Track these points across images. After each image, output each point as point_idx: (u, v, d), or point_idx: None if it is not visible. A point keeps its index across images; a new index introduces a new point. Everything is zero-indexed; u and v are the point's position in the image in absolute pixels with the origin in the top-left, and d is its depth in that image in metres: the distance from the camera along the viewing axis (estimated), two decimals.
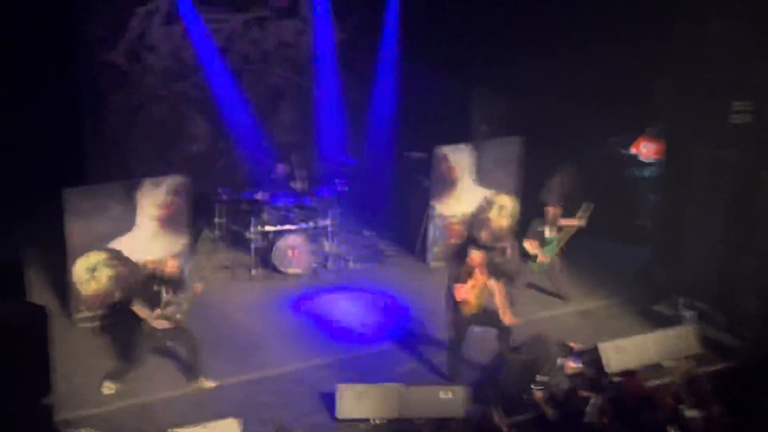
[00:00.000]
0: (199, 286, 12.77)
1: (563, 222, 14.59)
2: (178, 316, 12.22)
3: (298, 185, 15.96)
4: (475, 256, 11.97)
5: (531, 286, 15.05)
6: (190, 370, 12.36)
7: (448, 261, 12.35)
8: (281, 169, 16.30)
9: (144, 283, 12.31)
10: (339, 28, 18.24)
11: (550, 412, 10.83)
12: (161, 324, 11.98)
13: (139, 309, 11.95)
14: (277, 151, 17.50)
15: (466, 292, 11.94)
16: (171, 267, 12.22)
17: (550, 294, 14.90)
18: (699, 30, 13.99)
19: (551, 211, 14.51)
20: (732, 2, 13.61)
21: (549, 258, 14.48)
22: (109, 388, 12.12)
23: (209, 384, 12.26)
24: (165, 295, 12.04)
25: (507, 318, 12.21)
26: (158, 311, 11.95)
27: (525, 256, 14.52)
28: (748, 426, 10.27)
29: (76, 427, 11.21)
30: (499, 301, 12.26)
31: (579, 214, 14.71)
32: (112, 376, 12.23)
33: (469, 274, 11.97)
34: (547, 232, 14.47)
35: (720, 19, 13.74)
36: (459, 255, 12.24)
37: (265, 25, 17.59)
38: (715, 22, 13.80)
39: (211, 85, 17.20)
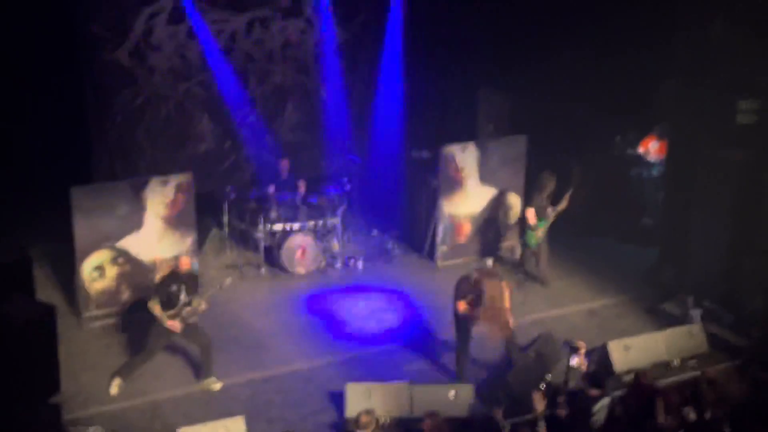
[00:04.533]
0: (203, 305, 12.36)
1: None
2: (193, 319, 12.19)
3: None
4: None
5: (538, 284, 15.17)
6: (200, 369, 12.38)
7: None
8: (285, 165, 16.29)
9: (162, 282, 12.26)
10: (343, 27, 18.24)
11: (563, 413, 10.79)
12: (174, 325, 11.94)
13: (155, 307, 11.91)
14: (282, 151, 17.52)
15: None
16: (185, 264, 12.21)
17: (557, 293, 14.96)
18: (703, 30, 14.01)
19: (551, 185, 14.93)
20: (735, 2, 13.61)
21: (542, 233, 14.79)
22: (117, 385, 12.10)
23: (217, 385, 12.26)
24: (183, 297, 12.01)
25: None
26: (173, 311, 11.94)
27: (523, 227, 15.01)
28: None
29: (84, 426, 11.22)
30: (506, 303, 12.27)
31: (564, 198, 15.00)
32: (122, 373, 12.21)
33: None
34: (548, 209, 14.85)
35: (724, 19, 13.75)
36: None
37: (269, 25, 17.58)
38: (718, 23, 13.81)
39: (216, 84, 17.19)
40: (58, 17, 15.30)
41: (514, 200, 16.19)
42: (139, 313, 13.77)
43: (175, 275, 12.21)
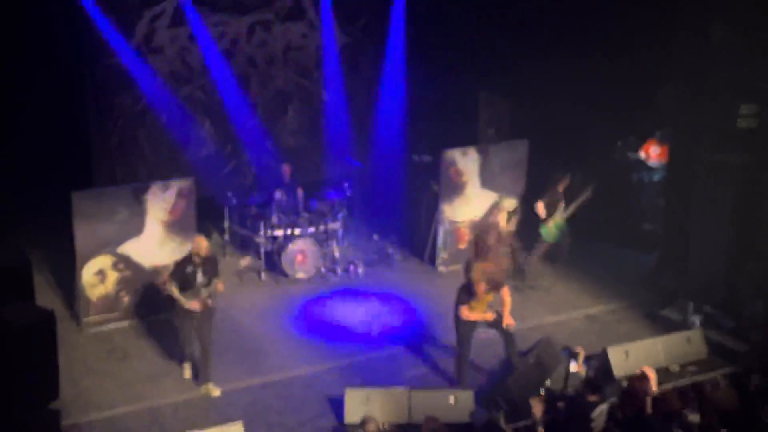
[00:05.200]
0: (220, 285, 12.53)
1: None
2: (209, 301, 12.25)
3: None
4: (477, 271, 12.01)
5: (537, 290, 15.19)
6: (199, 374, 12.42)
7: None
8: (286, 169, 16.30)
9: (178, 264, 12.35)
10: (345, 31, 18.24)
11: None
12: (193, 305, 12.03)
13: (172, 289, 12.05)
14: (283, 155, 17.55)
15: (473, 313, 12.01)
16: (203, 247, 12.19)
17: (556, 298, 15.01)
18: (703, 34, 13.99)
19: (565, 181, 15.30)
20: (734, 7, 13.60)
21: (553, 228, 15.20)
22: (187, 371, 12.56)
23: (216, 391, 12.26)
24: (199, 278, 12.10)
25: (506, 320, 12.22)
26: (190, 292, 12.05)
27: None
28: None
29: None
30: (505, 307, 12.25)
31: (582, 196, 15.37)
32: (183, 358, 12.60)
33: (474, 290, 11.99)
34: (560, 205, 15.23)
35: (724, 23, 13.74)
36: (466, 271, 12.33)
37: (271, 29, 17.59)
38: (719, 27, 13.80)
39: (217, 88, 17.24)
40: (60, 21, 15.32)
41: (515, 204, 16.18)
42: (138, 319, 13.91)
43: (191, 258, 12.24)
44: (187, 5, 16.38)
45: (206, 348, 12.34)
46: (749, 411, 10.10)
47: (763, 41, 13.35)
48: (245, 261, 12.74)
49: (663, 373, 12.47)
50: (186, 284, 12.06)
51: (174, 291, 12.04)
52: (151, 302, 13.90)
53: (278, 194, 15.79)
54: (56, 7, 15.17)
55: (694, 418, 10.29)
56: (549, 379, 12.20)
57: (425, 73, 18.13)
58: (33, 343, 10.57)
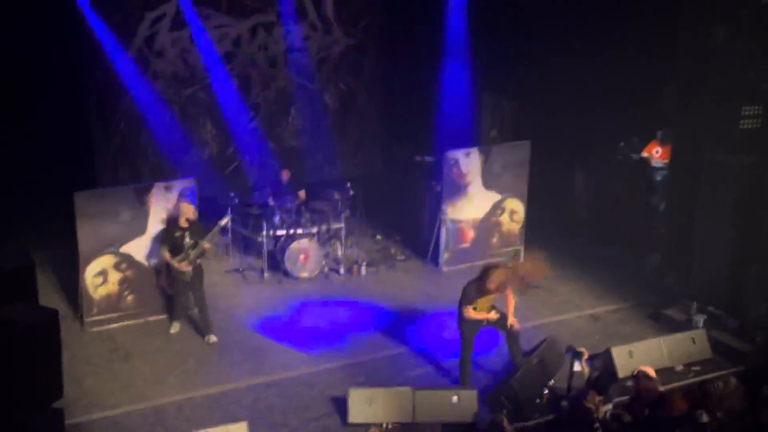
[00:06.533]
0: (207, 245, 13.37)
1: None
2: (198, 261, 13.30)
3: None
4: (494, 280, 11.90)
5: (541, 290, 15.14)
6: (203, 330, 13.50)
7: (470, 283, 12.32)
8: (285, 174, 16.29)
9: (166, 231, 13.40)
10: (348, 32, 18.25)
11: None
12: (185, 267, 13.18)
13: (165, 253, 13.24)
14: (286, 156, 17.55)
15: (478, 313, 11.97)
16: (189, 211, 13.23)
17: (560, 298, 15.00)
18: (706, 36, 13.98)
19: None
20: (736, 8, 13.60)
21: None
22: (174, 327, 13.67)
23: (213, 338, 13.37)
24: (187, 241, 13.15)
25: (510, 320, 12.18)
26: (182, 255, 13.17)
27: None
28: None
29: None
30: (509, 308, 12.23)
31: None
32: (171, 317, 13.75)
33: (483, 293, 11.94)
34: None
35: (726, 24, 13.74)
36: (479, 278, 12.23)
37: (272, 30, 17.60)
38: (721, 28, 13.79)
39: (216, 91, 17.35)
40: (62, 23, 15.33)
41: (518, 205, 16.19)
42: (141, 318, 13.91)
43: (176, 222, 13.29)
44: (188, 7, 16.43)
45: (202, 303, 13.45)
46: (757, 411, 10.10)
47: (765, 42, 13.35)
48: (224, 221, 13.42)
49: (667, 374, 12.46)
50: (175, 248, 13.18)
51: (166, 254, 13.21)
52: (153, 302, 13.92)
53: (271, 201, 15.78)
54: (58, 10, 15.18)
55: (707, 417, 10.25)
56: (552, 379, 12.19)
57: (428, 73, 18.15)
58: (37, 343, 10.57)
